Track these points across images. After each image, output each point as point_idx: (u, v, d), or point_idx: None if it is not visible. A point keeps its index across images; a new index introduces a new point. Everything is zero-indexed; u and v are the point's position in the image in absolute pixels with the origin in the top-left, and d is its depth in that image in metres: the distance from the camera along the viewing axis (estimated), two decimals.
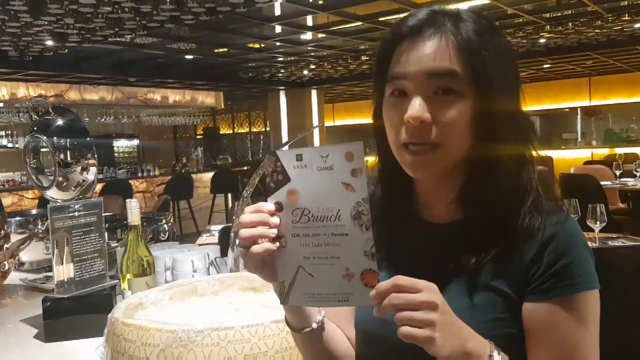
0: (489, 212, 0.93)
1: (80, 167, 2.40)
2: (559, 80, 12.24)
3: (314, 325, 0.98)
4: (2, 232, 2.07)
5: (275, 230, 0.86)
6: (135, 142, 12.42)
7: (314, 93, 11.86)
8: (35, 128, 2.46)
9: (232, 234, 1.85)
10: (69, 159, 2.38)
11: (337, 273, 0.84)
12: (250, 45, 7.84)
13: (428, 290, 0.78)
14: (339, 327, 1.08)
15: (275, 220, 0.86)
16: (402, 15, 0.96)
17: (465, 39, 0.89)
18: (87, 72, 8.60)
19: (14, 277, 2.24)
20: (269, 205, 0.87)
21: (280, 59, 8.86)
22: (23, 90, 9.16)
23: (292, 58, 8.80)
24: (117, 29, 5.98)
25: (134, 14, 5.40)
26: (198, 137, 14.53)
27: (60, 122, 2.41)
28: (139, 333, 1.14)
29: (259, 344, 1.11)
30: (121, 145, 12.19)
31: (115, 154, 11.96)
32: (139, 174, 10.12)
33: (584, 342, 0.90)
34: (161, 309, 1.42)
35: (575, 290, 0.89)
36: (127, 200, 1.67)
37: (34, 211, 3.23)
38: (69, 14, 5.31)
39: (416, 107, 0.88)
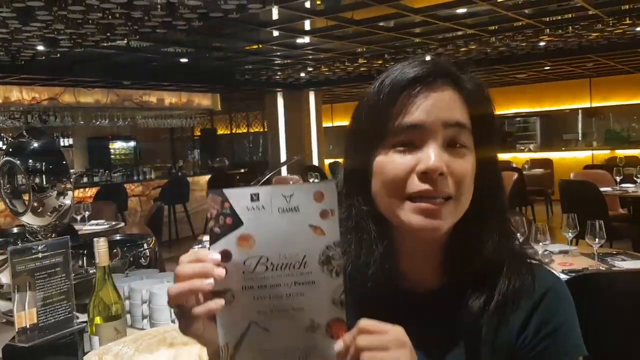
0: (477, 275, 0.87)
1: (56, 192, 2.31)
2: (559, 81, 12.15)
3: None
4: None
5: (213, 283, 0.72)
6: (132, 143, 12.32)
7: (311, 94, 11.77)
8: (10, 150, 2.36)
9: None
10: (44, 183, 2.29)
11: (299, 325, 0.74)
12: (247, 47, 7.74)
13: (395, 330, 0.73)
14: None
15: (221, 272, 0.72)
16: (396, 64, 0.91)
17: (472, 92, 0.88)
18: (81, 76, 8.52)
19: None
20: (214, 254, 0.73)
21: (278, 61, 8.77)
22: (17, 94, 9.06)
23: (289, 61, 8.69)
24: (108, 34, 5.89)
25: (125, 19, 5.31)
26: (195, 138, 14.44)
27: (35, 144, 2.32)
28: None
29: None
30: (118, 147, 12.09)
31: (112, 156, 11.86)
32: (135, 177, 10.01)
33: None
34: None
35: (564, 357, 0.86)
36: (95, 240, 1.58)
37: (14, 229, 3.12)
38: (58, 20, 5.22)
39: (435, 156, 0.83)
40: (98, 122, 10.59)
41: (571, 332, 0.87)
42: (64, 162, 2.33)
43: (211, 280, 0.71)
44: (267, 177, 2.80)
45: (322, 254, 0.74)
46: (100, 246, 1.56)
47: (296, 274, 0.74)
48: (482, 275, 0.87)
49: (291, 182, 7.83)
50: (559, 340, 0.86)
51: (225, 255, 0.73)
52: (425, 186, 0.83)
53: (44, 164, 2.27)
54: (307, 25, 6.54)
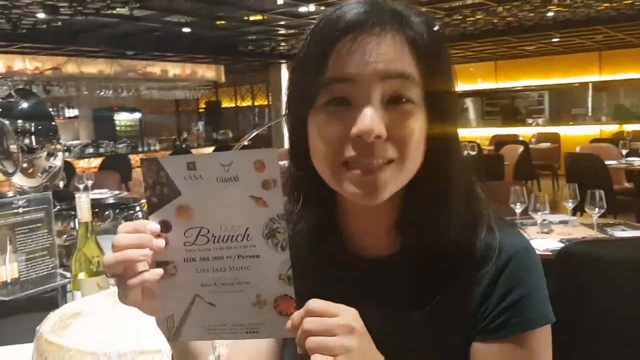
0: (435, 241, 0.78)
1: (46, 153, 2.30)
2: (568, 54, 11.97)
3: None
4: None
5: (149, 253, 0.69)
6: (137, 115, 12.30)
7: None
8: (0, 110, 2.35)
9: None
10: (33, 144, 2.28)
11: (245, 301, 0.71)
12: (252, 17, 7.66)
13: (345, 314, 0.67)
14: None
15: (160, 242, 0.70)
16: (333, 7, 0.78)
17: (420, 39, 0.75)
18: (84, 45, 8.47)
19: None
20: (152, 224, 0.70)
21: (282, 31, 8.67)
22: (19, 63, 9.04)
23: (292, 31, 8.60)
24: (108, 1, 5.82)
25: None
26: (200, 110, 14.39)
27: (24, 104, 2.30)
28: (60, 354, 1.03)
29: None
30: (122, 118, 12.07)
31: (117, 128, 11.86)
32: (140, 149, 10.02)
33: None
34: (102, 318, 1.31)
35: (527, 327, 0.78)
36: (77, 195, 1.56)
37: (10, 194, 3.12)
38: None
39: (369, 118, 0.72)
40: (102, 93, 10.55)
41: (538, 300, 0.79)
42: (53, 124, 2.31)
43: (146, 251, 0.68)
44: (245, 139, 2.77)
45: (266, 226, 0.70)
46: (82, 202, 1.53)
47: (239, 246, 0.71)
48: (439, 241, 0.78)
49: None
50: (523, 310, 0.78)
51: (165, 226, 0.71)
52: (361, 152, 0.73)
53: (33, 125, 2.25)
54: None
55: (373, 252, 0.84)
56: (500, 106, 13.20)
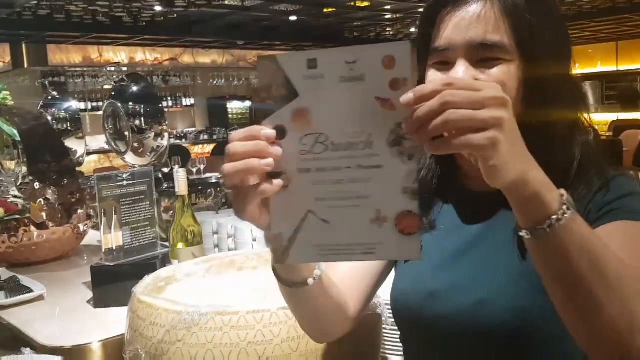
0: None
1: (154, 133, 2.46)
2: None
3: (310, 281, 0.81)
4: (77, 196, 2.15)
5: (272, 163, 0.64)
6: (248, 103, 12.71)
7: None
8: (113, 94, 2.53)
9: None
10: (143, 125, 2.44)
11: (363, 217, 0.64)
12: (358, 3, 7.66)
13: (491, 88, 0.60)
14: (352, 289, 0.97)
15: (276, 150, 0.65)
16: None
17: (511, 4, 0.83)
18: (198, 36, 8.86)
19: (94, 237, 2.32)
20: (267, 129, 0.65)
21: (388, 16, 8.60)
22: (141, 55, 9.63)
23: (398, 15, 8.50)
24: None
25: None
26: None
27: (134, 88, 2.46)
28: (148, 311, 1.11)
29: (264, 331, 1.04)
30: (234, 107, 12.52)
31: (230, 115, 12.33)
32: None
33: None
34: (194, 283, 1.39)
35: (629, 216, 0.80)
36: (174, 170, 1.66)
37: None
38: None
39: (459, 71, 0.83)
40: (215, 82, 11.00)
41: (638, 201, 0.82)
42: (160, 106, 2.47)
43: (270, 161, 0.64)
44: None
45: (392, 132, 0.62)
46: (180, 176, 1.63)
47: (360, 155, 0.64)
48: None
49: None
50: (624, 204, 0.81)
51: (280, 132, 0.65)
52: None
53: (142, 107, 2.41)
54: None
55: (478, 186, 0.90)
56: (621, 90, 12.29)
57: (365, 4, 7.68)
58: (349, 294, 0.96)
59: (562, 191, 0.66)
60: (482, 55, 0.83)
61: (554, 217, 0.63)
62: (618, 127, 8.58)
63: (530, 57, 0.84)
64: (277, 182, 0.65)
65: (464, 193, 0.96)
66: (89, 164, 7.54)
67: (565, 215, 0.63)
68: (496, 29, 0.83)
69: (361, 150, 0.64)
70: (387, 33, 9.85)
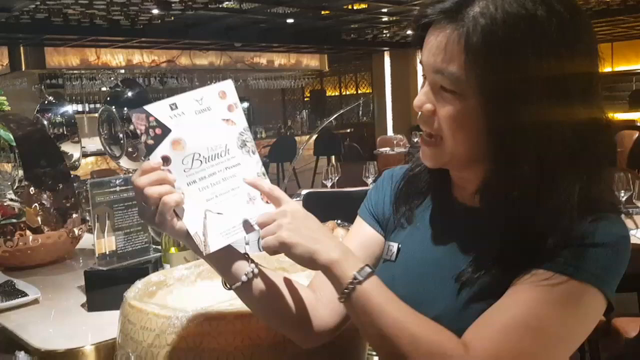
0: (508, 211, 0.82)
1: None
2: None
3: (243, 278, 0.92)
4: (72, 200, 2.17)
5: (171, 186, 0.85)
6: (245, 104, 12.74)
7: (419, 53, 11.49)
8: (108, 99, 2.55)
9: None
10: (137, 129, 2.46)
11: (241, 201, 0.89)
12: (355, 6, 7.70)
13: (284, 203, 0.86)
14: (324, 297, 1.00)
15: (172, 176, 0.85)
16: None
17: (475, 39, 0.77)
18: (196, 39, 8.89)
19: (89, 241, 2.35)
20: (154, 162, 0.84)
21: (384, 19, 8.64)
22: (138, 57, 9.65)
23: (395, 18, 8.54)
24: None
25: None
26: (305, 99, 14.66)
27: (129, 93, 2.48)
28: (139, 316, 1.14)
29: (252, 336, 1.06)
30: None
31: None
32: None
33: (552, 327, 0.77)
34: (185, 288, 1.42)
35: (575, 273, 0.77)
36: None
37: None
38: None
39: (420, 95, 0.86)
40: (213, 84, 11.03)
41: (601, 261, 0.78)
42: None
43: (174, 191, 0.85)
44: (322, 126, 2.86)
45: (238, 139, 0.89)
46: None
47: (224, 160, 0.88)
48: (515, 214, 0.81)
49: (395, 142, 7.78)
50: (579, 257, 0.77)
51: (165, 160, 0.85)
52: (418, 119, 0.88)
53: None
54: None
55: (466, 200, 0.93)
56: (618, 91, 12.32)
57: (362, 6, 7.71)
58: (324, 300, 0.98)
59: (366, 267, 0.82)
60: (441, 83, 0.83)
61: (346, 290, 0.81)
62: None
63: (489, 99, 0.78)
64: (177, 195, 0.85)
65: (451, 202, 0.97)
66: (86, 166, 7.56)
67: (356, 288, 0.80)
68: (455, 61, 0.80)
69: (224, 157, 0.89)
70: (384, 35, 9.88)
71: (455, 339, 0.79)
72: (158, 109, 0.84)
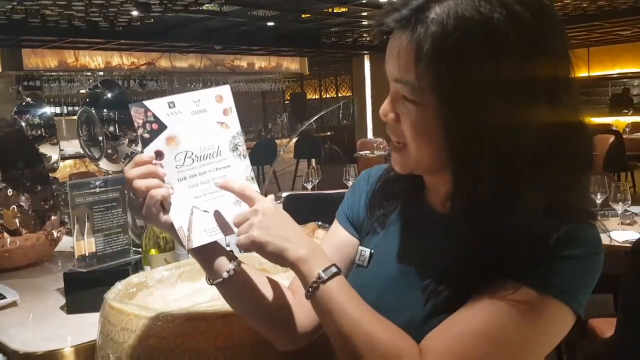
0: (472, 219, 0.81)
1: (127, 140, 2.47)
2: None
3: (225, 275, 0.93)
4: (50, 202, 2.16)
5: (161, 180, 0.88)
6: None
7: None
8: (87, 100, 2.54)
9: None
10: (117, 131, 2.45)
11: (228, 202, 0.92)
12: (335, 9, 7.73)
13: (256, 201, 0.88)
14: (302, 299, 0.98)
15: (163, 171, 0.88)
16: None
17: (426, 47, 0.76)
18: (176, 41, 8.86)
19: (67, 244, 2.33)
20: (148, 154, 0.87)
21: (364, 22, 8.69)
22: (117, 59, 9.58)
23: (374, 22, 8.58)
24: None
25: None
26: (286, 102, 14.67)
27: (109, 95, 2.47)
28: (119, 317, 1.14)
29: (233, 336, 1.07)
30: None
31: None
32: None
33: (510, 338, 0.77)
34: (165, 289, 1.42)
35: (540, 287, 0.76)
36: None
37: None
38: None
39: (384, 104, 0.87)
40: (193, 86, 10.99)
41: (570, 275, 0.76)
42: None
43: (162, 185, 0.88)
44: (302, 129, 2.87)
45: (230, 142, 0.92)
46: None
47: (215, 161, 0.91)
48: (482, 223, 0.80)
49: (375, 145, 7.82)
50: (550, 270, 0.76)
51: (159, 155, 0.88)
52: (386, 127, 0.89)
53: (116, 113, 2.42)
54: None
55: (438, 206, 0.92)
56: (596, 95, 12.54)
57: (342, 10, 7.75)
58: (302, 302, 0.98)
59: (332, 267, 0.84)
60: (401, 91, 0.82)
61: (310, 288, 0.83)
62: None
63: (445, 104, 0.77)
64: (164, 189, 0.88)
65: (425, 207, 0.95)
66: (65, 169, 7.48)
67: (320, 286, 0.83)
68: (410, 70, 0.78)
69: (215, 157, 0.91)
70: (364, 39, 9.94)
71: (412, 343, 0.79)
72: (157, 105, 0.87)
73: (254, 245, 0.85)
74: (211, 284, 0.95)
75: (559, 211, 0.78)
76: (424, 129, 0.81)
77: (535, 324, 0.77)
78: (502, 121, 0.75)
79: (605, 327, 2.32)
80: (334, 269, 0.84)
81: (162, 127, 0.87)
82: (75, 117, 2.48)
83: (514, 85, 0.74)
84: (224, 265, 0.94)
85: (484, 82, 0.74)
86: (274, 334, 1.00)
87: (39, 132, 2.62)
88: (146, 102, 0.87)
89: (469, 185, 0.79)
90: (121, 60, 9.63)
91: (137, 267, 1.70)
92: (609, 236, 2.68)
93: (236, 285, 0.94)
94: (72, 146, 7.71)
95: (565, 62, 0.79)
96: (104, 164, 2.48)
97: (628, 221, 2.97)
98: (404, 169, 0.89)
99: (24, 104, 2.75)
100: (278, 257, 0.86)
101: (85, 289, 1.59)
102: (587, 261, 0.78)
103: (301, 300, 0.98)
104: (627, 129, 8.69)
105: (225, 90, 0.92)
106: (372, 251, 0.99)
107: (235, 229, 0.90)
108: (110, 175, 1.84)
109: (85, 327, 1.46)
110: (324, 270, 0.83)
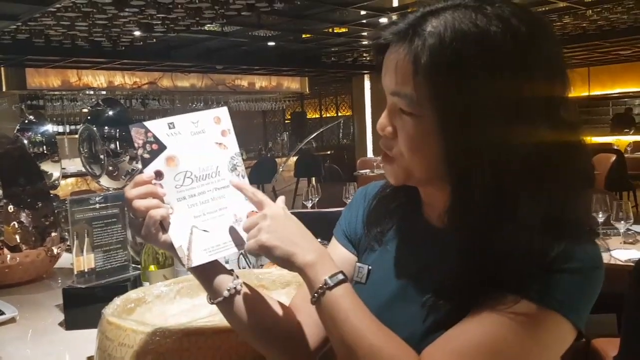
0: (469, 234, 0.80)
1: (128, 157, 2.48)
2: None
3: (225, 293, 0.93)
4: (51, 219, 2.16)
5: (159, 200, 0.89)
6: None
7: None
8: (88, 118, 2.56)
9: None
10: (118, 148, 2.46)
11: (227, 221, 0.93)
12: (335, 30, 7.80)
13: (266, 206, 0.89)
14: (305, 318, 1.00)
15: (162, 191, 0.89)
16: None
17: (423, 59, 0.76)
18: (178, 61, 8.92)
19: (67, 260, 2.33)
20: (148, 174, 0.88)
21: (364, 42, 8.75)
22: (120, 79, 9.65)
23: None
24: (197, 19, 6.13)
25: (212, 3, 5.51)
26: (286, 121, 14.73)
27: (110, 112, 2.49)
28: (117, 332, 1.13)
29: (231, 352, 1.07)
30: None
31: None
32: None
33: (509, 351, 0.76)
34: (164, 305, 1.42)
35: (539, 300, 0.75)
36: None
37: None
38: (150, 5, 5.50)
39: (381, 118, 0.87)
40: (194, 105, 11.05)
41: (569, 290, 0.76)
42: None
43: (161, 205, 0.88)
44: (300, 146, 2.89)
45: (229, 163, 0.93)
46: None
47: (214, 181, 0.92)
48: (478, 233, 0.79)
49: (375, 164, 7.83)
50: (548, 284, 0.75)
51: (158, 175, 0.89)
52: (380, 141, 0.89)
53: (117, 131, 2.43)
54: (396, 1, 6.46)
55: (435, 221, 0.91)
56: (597, 114, 12.57)
57: (343, 30, 7.82)
58: (304, 320, 0.98)
59: (339, 274, 0.84)
60: (399, 105, 0.82)
61: (315, 293, 0.83)
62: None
63: (443, 116, 0.77)
64: (166, 208, 0.89)
65: (422, 223, 0.95)
66: (67, 187, 7.50)
67: (326, 292, 0.82)
68: (408, 83, 0.78)
69: (214, 177, 0.93)
70: (364, 58, 10.01)
71: (413, 355, 0.79)
72: (157, 126, 0.89)
73: (262, 249, 0.86)
74: (212, 302, 0.95)
75: (558, 227, 0.77)
76: (420, 141, 0.81)
77: (535, 336, 0.77)
78: (499, 133, 0.75)
79: (609, 347, 2.30)
80: (340, 276, 0.84)
81: (162, 147, 0.89)
82: (77, 136, 2.49)
83: (511, 98, 0.75)
84: (224, 283, 0.93)
85: (481, 94, 0.75)
86: (276, 354, 0.99)
87: (40, 149, 2.64)
88: (146, 123, 0.89)
89: (466, 199, 0.79)
90: (123, 79, 9.70)
91: (136, 283, 1.70)
92: (611, 255, 2.68)
93: (237, 305, 0.94)
94: (74, 164, 7.74)
95: (561, 76, 0.79)
96: (104, 181, 2.50)
97: (630, 240, 2.97)
98: (397, 180, 0.89)
99: (26, 121, 2.77)
100: (286, 262, 0.86)
101: (84, 305, 1.59)
102: (587, 275, 0.78)
103: (303, 318, 0.99)
104: (628, 148, 8.72)
105: (223, 112, 0.94)
106: (370, 268, 0.98)
107: (235, 248, 0.92)
108: (108, 192, 1.85)
109: (84, 343, 1.45)
110: (330, 277, 0.83)
